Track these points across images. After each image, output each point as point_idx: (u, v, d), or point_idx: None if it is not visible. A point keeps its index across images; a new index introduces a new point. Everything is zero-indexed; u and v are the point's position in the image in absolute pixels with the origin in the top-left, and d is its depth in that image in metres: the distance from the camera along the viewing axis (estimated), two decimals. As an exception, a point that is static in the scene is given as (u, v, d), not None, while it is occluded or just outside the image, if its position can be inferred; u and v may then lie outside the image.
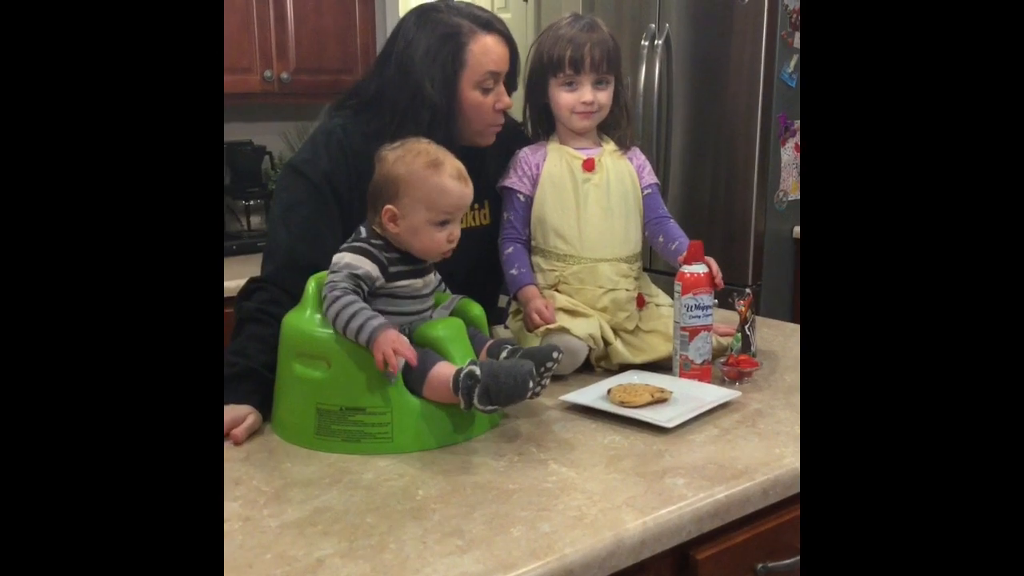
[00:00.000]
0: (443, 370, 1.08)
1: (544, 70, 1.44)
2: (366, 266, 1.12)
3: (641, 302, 1.45)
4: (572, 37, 1.42)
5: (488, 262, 1.49)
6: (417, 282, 1.17)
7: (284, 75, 2.80)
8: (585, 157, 1.45)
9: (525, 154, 1.48)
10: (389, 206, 1.13)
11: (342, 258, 1.13)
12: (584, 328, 1.35)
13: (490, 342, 1.20)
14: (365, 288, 1.12)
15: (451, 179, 1.14)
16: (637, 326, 1.43)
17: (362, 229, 1.17)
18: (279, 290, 1.27)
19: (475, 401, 1.04)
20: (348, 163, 1.36)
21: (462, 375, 1.06)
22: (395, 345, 1.05)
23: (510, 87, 1.48)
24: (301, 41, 2.84)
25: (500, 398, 1.04)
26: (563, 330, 1.34)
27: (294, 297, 1.20)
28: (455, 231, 1.16)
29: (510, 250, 1.47)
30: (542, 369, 1.10)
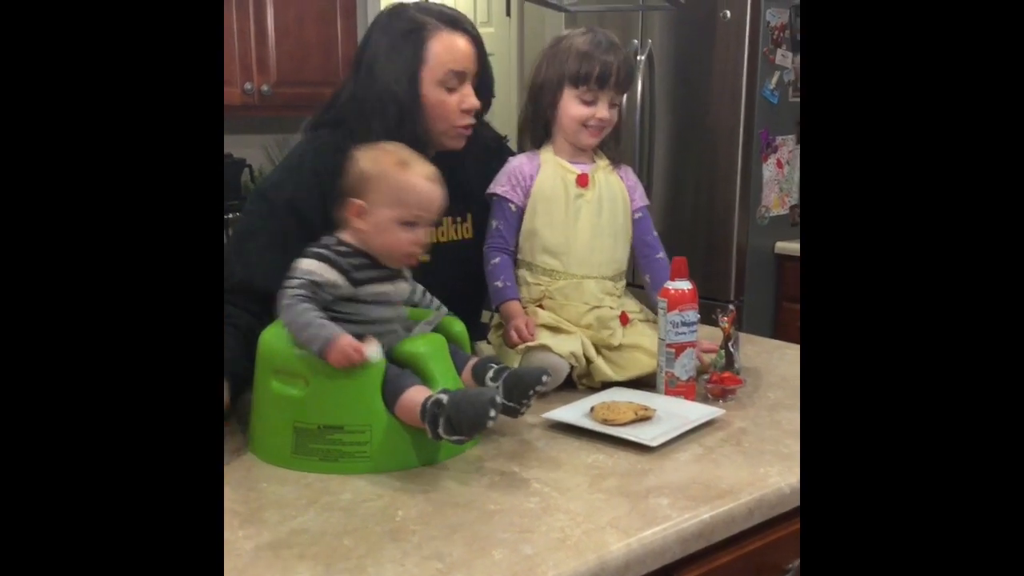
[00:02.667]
0: (414, 395, 1.06)
1: (560, 80, 1.42)
2: (327, 274, 1.09)
3: (625, 320, 1.44)
4: (600, 54, 1.41)
5: (471, 276, 1.47)
6: (387, 286, 1.14)
7: (265, 88, 2.79)
8: (579, 172, 1.44)
9: (520, 163, 1.46)
10: (356, 200, 1.11)
11: (301, 263, 1.10)
12: (566, 346, 1.34)
13: (474, 360, 1.18)
14: (326, 296, 1.09)
15: (419, 177, 1.12)
16: (622, 343, 1.42)
17: (329, 237, 1.15)
18: (232, 307, 1.25)
19: (440, 431, 1.02)
20: (320, 186, 1.34)
21: (429, 403, 1.03)
22: (343, 360, 1.04)
23: (484, 92, 1.46)
24: (282, 53, 2.83)
25: (463, 428, 1.01)
26: (544, 348, 1.33)
27: (252, 313, 1.22)
28: (422, 236, 1.13)
29: (496, 260, 1.45)
30: (530, 392, 1.08)
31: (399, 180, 1.11)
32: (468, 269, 1.47)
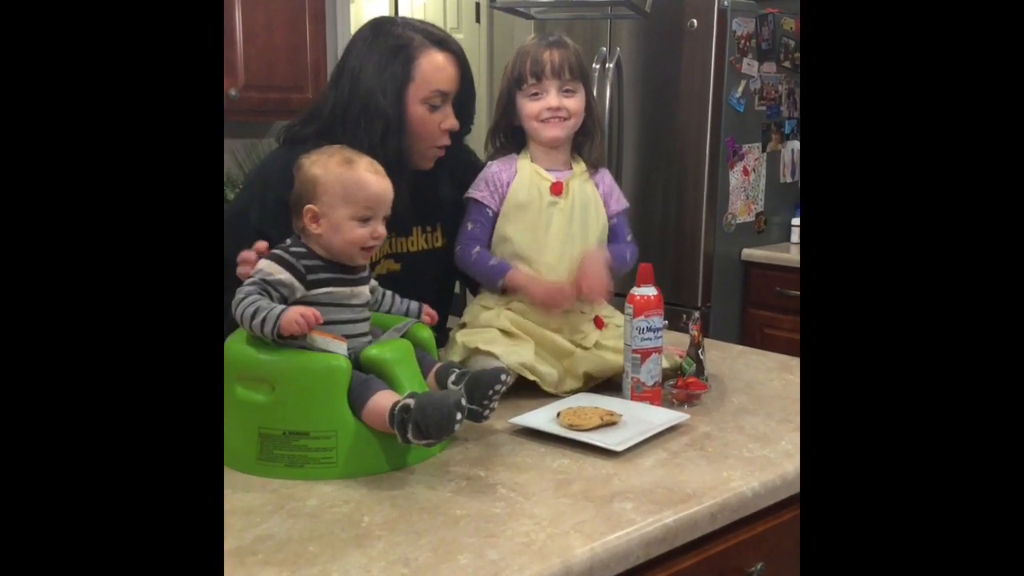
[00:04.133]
0: (381, 400, 1.06)
1: (511, 87, 1.45)
2: (280, 274, 1.11)
3: (600, 324, 1.45)
4: (534, 50, 1.43)
5: (441, 284, 1.47)
6: (343, 289, 1.15)
7: (232, 92, 2.76)
8: (554, 180, 1.45)
9: (498, 169, 1.46)
10: (310, 206, 1.13)
11: (259, 264, 1.13)
12: (514, 356, 1.32)
13: (438, 365, 1.19)
14: (278, 294, 1.10)
15: (367, 172, 1.14)
16: (597, 341, 1.43)
17: (288, 239, 1.16)
18: None
19: (409, 435, 1.02)
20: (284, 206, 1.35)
21: (397, 408, 1.03)
22: (298, 318, 1.05)
23: (465, 113, 1.46)
24: (250, 58, 2.81)
25: (431, 431, 1.01)
26: (489, 355, 1.31)
27: None
28: (379, 229, 1.15)
29: (477, 248, 1.45)
30: (490, 392, 1.09)
31: (348, 178, 1.13)
32: (437, 277, 1.47)
